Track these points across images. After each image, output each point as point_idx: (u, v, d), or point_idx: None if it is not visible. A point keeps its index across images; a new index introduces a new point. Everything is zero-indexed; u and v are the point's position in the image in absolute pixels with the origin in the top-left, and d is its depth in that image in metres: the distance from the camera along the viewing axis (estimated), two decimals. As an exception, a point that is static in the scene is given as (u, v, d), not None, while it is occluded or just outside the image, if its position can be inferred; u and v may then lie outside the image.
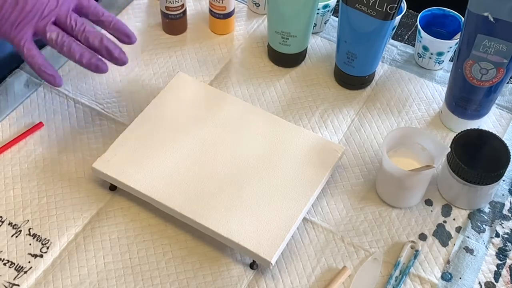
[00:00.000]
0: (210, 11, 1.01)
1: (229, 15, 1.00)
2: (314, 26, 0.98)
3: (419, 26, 0.94)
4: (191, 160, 0.81)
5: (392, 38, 1.02)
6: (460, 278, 0.77)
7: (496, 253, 0.79)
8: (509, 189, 0.85)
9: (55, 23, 0.73)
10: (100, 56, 0.76)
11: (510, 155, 0.79)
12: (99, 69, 0.75)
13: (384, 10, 0.85)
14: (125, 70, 0.96)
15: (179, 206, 0.77)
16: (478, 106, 0.87)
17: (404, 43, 1.03)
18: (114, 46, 0.75)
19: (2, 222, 0.79)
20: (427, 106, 0.94)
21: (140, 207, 0.81)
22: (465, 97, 0.86)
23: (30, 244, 0.78)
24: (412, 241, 0.79)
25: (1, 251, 0.77)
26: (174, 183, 0.79)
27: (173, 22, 1.01)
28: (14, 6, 0.72)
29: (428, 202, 0.84)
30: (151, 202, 0.79)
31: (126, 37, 0.77)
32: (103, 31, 0.79)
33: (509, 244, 0.80)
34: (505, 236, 0.81)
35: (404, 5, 0.99)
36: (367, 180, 0.86)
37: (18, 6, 0.72)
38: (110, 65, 0.96)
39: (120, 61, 0.76)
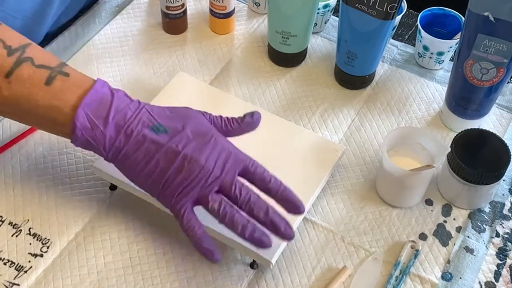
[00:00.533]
0: (211, 10, 1.01)
1: (229, 14, 1.00)
2: (314, 26, 0.98)
3: (419, 26, 0.94)
4: (191, 160, 0.81)
5: (392, 38, 1.02)
6: (460, 278, 0.77)
7: (496, 253, 0.79)
8: (510, 189, 0.85)
9: (218, 190, 0.68)
10: (263, 229, 0.69)
11: (510, 155, 0.79)
12: (262, 244, 0.68)
13: (384, 9, 0.85)
14: (125, 70, 0.96)
15: (179, 206, 0.77)
16: (478, 105, 0.87)
17: (405, 42, 1.03)
18: (280, 219, 0.68)
19: (2, 221, 0.79)
20: (427, 105, 0.94)
21: (140, 207, 0.81)
22: (466, 97, 0.86)
23: (30, 244, 0.78)
24: (412, 241, 0.79)
25: (1, 251, 0.77)
26: (174, 182, 0.79)
27: (174, 22, 1.01)
28: (178, 173, 0.67)
29: (428, 202, 0.84)
30: (151, 202, 0.78)
31: (295, 208, 0.69)
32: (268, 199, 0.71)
33: (509, 244, 0.80)
34: (505, 236, 0.81)
35: (404, 4, 0.99)
36: (367, 180, 0.85)
37: (182, 173, 0.67)
38: (110, 66, 0.97)
39: (286, 237, 0.68)
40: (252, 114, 0.74)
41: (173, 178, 0.68)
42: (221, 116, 0.74)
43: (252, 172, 0.69)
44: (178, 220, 0.69)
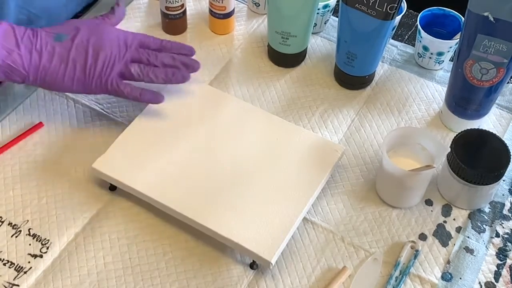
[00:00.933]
0: (210, 11, 1.01)
1: (229, 15, 1.00)
2: (314, 26, 0.98)
3: (419, 26, 0.94)
4: (191, 160, 0.81)
5: (392, 38, 1.02)
6: (460, 278, 0.77)
7: (496, 253, 0.79)
8: (509, 189, 0.85)
9: (132, 61, 0.83)
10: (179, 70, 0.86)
11: (510, 155, 0.79)
12: (185, 78, 0.85)
13: (384, 10, 0.85)
14: (125, 70, 0.96)
15: (179, 206, 0.77)
16: (478, 106, 0.87)
17: (404, 43, 1.03)
18: (186, 58, 0.86)
19: (2, 222, 0.79)
20: (427, 106, 0.94)
21: (140, 207, 0.81)
22: (465, 97, 0.86)
23: (30, 244, 0.78)
24: (412, 241, 0.79)
25: (1, 251, 0.77)
26: (174, 183, 0.79)
27: (173, 22, 1.01)
28: (95, 61, 0.81)
29: (428, 202, 0.84)
30: (151, 202, 0.79)
31: (188, 51, 0.88)
32: None
33: (509, 244, 0.80)
34: (505, 236, 0.81)
35: (404, 5, 0.99)
36: (367, 180, 0.85)
37: (99, 60, 0.81)
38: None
39: (195, 67, 0.86)
40: (117, 2, 0.88)
41: (94, 66, 0.81)
42: (96, 16, 0.87)
43: (147, 41, 0.86)
44: (120, 95, 0.83)
